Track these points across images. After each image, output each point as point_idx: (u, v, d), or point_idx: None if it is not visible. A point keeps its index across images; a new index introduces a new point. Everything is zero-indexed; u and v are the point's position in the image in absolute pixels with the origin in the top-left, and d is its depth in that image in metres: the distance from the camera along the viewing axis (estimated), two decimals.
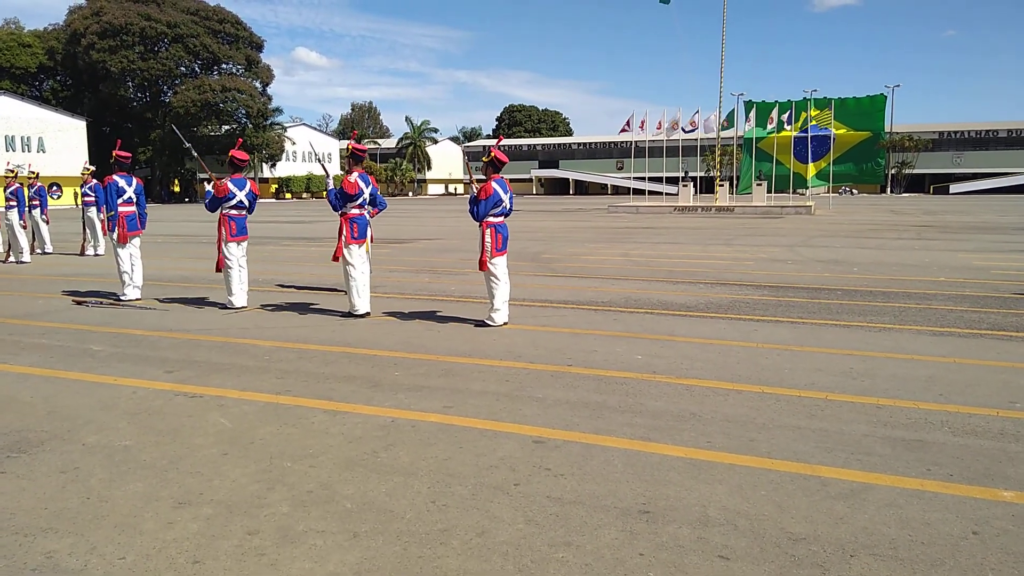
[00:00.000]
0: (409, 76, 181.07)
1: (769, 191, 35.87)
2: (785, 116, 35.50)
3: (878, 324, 7.37)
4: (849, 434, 4.17)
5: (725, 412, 4.60)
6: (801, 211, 31.99)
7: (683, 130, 36.08)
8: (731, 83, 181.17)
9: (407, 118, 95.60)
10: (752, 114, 36.03)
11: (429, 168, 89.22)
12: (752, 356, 6.10)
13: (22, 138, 51.51)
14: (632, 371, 5.57)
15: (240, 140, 9.98)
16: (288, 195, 70.54)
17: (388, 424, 4.43)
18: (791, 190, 36.52)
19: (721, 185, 37.20)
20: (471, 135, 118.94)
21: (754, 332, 7.07)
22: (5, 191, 14.62)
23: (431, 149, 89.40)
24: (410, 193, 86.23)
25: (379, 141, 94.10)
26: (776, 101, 36.03)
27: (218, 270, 8.56)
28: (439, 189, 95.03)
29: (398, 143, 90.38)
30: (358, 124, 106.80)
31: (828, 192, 41.60)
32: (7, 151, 49.35)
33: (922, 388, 5.10)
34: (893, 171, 74.81)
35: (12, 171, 15.18)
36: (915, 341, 6.64)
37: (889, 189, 75.69)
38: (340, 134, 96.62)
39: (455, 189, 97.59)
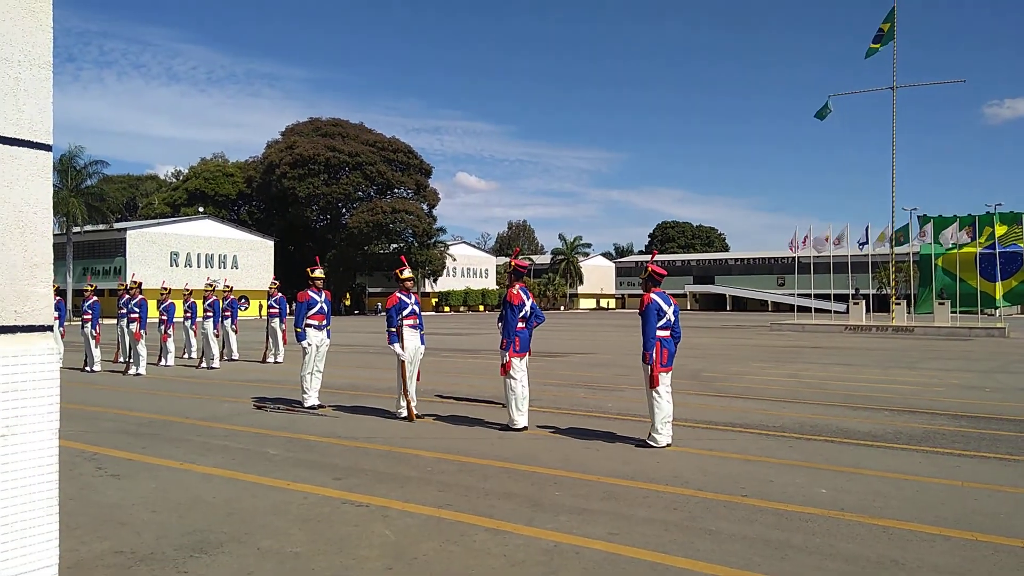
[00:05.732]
0: (563, 196, 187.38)
1: (952, 310, 32.97)
2: (965, 231, 32.97)
3: None
4: None
5: (933, 561, 4.01)
6: (993, 333, 29.01)
7: (858, 244, 34.44)
8: (901, 197, 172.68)
9: (560, 235, 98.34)
10: (928, 228, 33.79)
11: (581, 283, 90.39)
12: (957, 496, 5.38)
13: (219, 256, 57.85)
14: (817, 507, 5.05)
15: (403, 256, 10.51)
16: (447, 308, 73.64)
17: (551, 548, 4.23)
18: (979, 310, 33.28)
19: (898, 303, 34.63)
20: (623, 252, 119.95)
21: (956, 469, 6.27)
22: (204, 303, 16.26)
23: (583, 265, 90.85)
24: (562, 307, 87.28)
25: (533, 257, 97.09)
26: (955, 215, 33.67)
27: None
28: (591, 303, 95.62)
29: (551, 259, 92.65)
30: (514, 241, 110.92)
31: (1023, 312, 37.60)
32: (207, 267, 55.60)
33: None
34: None
35: (211, 285, 16.95)
36: None
37: None
38: (497, 251, 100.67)
39: (607, 304, 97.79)
